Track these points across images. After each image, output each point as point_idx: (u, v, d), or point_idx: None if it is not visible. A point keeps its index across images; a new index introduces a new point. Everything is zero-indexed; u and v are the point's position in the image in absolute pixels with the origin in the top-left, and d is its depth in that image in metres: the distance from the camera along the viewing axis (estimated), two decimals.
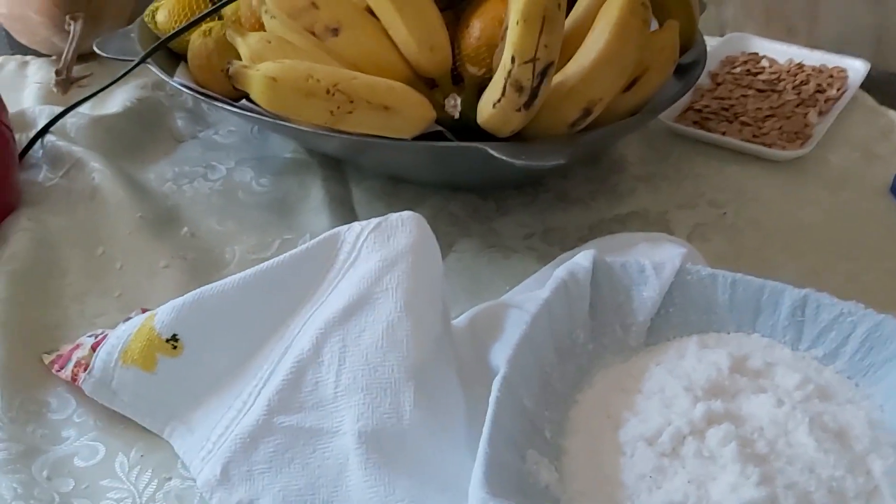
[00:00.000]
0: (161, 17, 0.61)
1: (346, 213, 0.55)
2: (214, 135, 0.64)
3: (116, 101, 0.66)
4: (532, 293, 0.41)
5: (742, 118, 0.64)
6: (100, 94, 0.61)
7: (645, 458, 0.34)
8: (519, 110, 0.44)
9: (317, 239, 0.41)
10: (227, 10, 0.57)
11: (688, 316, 0.41)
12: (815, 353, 0.39)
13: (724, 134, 0.62)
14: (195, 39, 0.58)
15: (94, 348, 0.42)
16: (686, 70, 0.54)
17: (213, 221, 0.55)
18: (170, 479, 0.39)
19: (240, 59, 0.54)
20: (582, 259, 0.41)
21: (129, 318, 0.43)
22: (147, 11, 0.63)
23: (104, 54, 0.59)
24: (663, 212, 0.55)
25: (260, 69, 0.44)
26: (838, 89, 0.67)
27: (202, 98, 0.54)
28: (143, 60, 0.56)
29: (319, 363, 0.37)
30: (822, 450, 0.34)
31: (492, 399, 0.33)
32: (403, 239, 0.39)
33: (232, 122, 0.64)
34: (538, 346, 0.37)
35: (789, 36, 0.75)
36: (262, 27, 0.54)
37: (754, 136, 0.62)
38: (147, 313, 0.41)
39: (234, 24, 0.55)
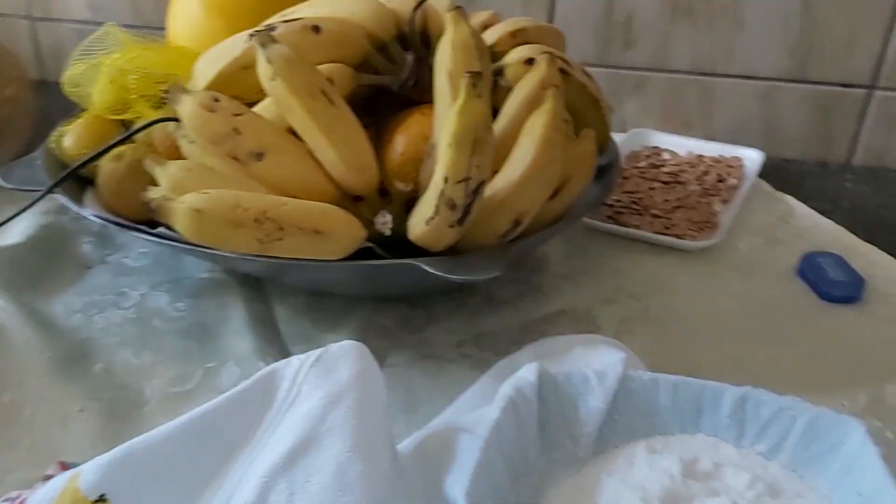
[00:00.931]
0: (68, 142, 0.60)
1: (270, 333, 0.54)
2: (124, 258, 0.62)
3: (17, 229, 0.63)
4: (478, 412, 0.40)
5: (652, 211, 0.66)
6: None
7: None
8: (452, 226, 0.45)
9: (253, 378, 0.39)
10: (140, 134, 0.56)
11: (633, 421, 0.41)
12: (758, 448, 0.40)
13: (637, 227, 0.64)
14: (106, 164, 0.57)
15: None
16: (603, 172, 0.56)
17: (128, 354, 0.52)
18: None
19: (154, 184, 0.53)
20: (527, 373, 0.41)
21: (49, 476, 0.40)
22: (52, 137, 0.61)
23: (8, 185, 0.56)
24: (589, 308, 0.56)
25: (185, 201, 0.43)
26: (737, 178, 0.71)
27: (119, 227, 0.52)
28: (50, 190, 0.54)
29: None
30: None
31: None
32: (346, 371, 0.38)
33: (142, 243, 0.63)
34: (493, 473, 0.36)
35: (686, 129, 0.79)
36: (176, 151, 0.53)
37: (665, 227, 0.64)
38: (70, 472, 0.38)
39: (151, 152, 0.54)
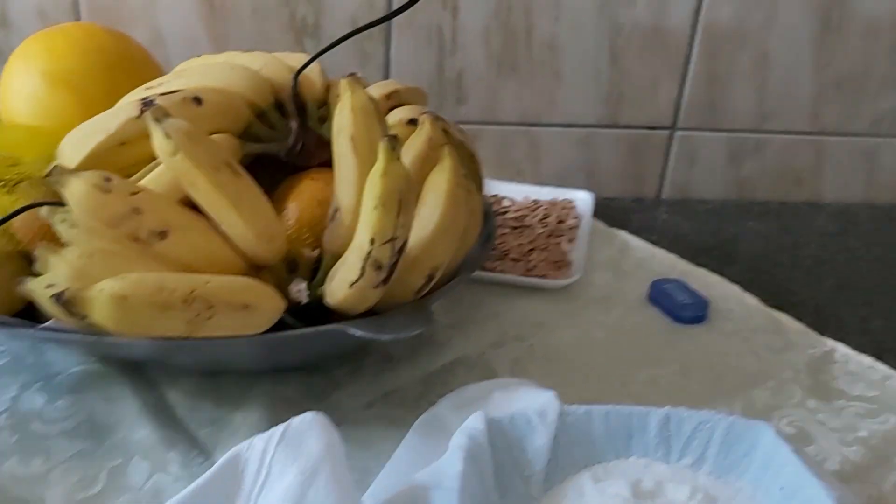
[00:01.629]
0: None
1: (169, 420, 0.51)
2: None
3: None
4: (434, 466, 0.41)
5: (510, 256, 0.71)
6: None
7: None
8: (377, 287, 0.46)
9: (214, 467, 0.38)
10: None
11: (573, 454, 0.44)
12: (685, 462, 0.44)
13: (503, 272, 0.68)
14: None
15: None
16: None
17: (14, 464, 0.47)
18: None
19: (20, 274, 0.49)
20: (475, 422, 0.43)
21: None
22: None
23: None
24: (480, 354, 0.59)
25: (103, 289, 0.41)
26: (575, 218, 0.77)
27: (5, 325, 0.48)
28: None
29: None
30: None
31: None
32: (315, 444, 0.38)
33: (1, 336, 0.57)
34: None
35: (519, 176, 0.85)
36: (46, 237, 0.50)
37: (527, 269, 0.69)
38: None
39: (10, 242, 0.50)
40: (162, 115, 0.47)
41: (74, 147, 0.52)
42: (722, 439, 0.44)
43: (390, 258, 0.45)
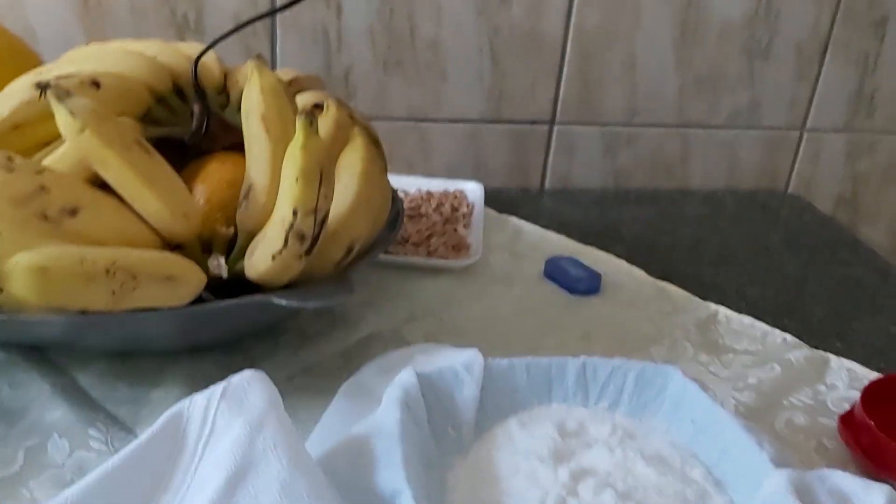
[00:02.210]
0: None
1: (83, 401, 0.50)
2: None
3: None
4: (371, 419, 0.42)
5: (411, 241, 0.72)
6: None
7: None
8: (300, 258, 0.46)
9: (156, 424, 0.37)
10: None
11: (498, 403, 0.46)
12: (602, 405, 0.47)
13: (406, 255, 0.69)
14: None
15: None
16: None
17: None
18: None
19: None
20: (406, 376, 0.44)
21: None
22: None
23: None
24: (394, 329, 0.60)
25: (19, 261, 0.40)
26: (467, 206, 0.80)
27: None
28: None
29: None
30: (659, 475, 0.41)
31: None
32: (258, 398, 0.38)
33: None
34: (413, 464, 0.39)
35: (410, 169, 0.87)
36: None
37: (429, 252, 0.71)
38: None
39: None
40: (64, 95, 0.46)
41: None
42: (635, 383, 0.47)
43: (313, 228, 0.46)
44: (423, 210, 0.78)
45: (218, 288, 0.49)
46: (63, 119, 0.45)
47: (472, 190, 0.83)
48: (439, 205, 0.79)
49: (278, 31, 0.81)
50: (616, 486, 0.40)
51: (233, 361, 0.55)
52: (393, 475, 0.38)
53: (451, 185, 0.84)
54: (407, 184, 0.83)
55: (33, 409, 0.49)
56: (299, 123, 0.46)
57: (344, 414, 0.48)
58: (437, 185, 0.84)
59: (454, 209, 0.79)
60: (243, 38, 0.80)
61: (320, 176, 0.45)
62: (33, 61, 0.63)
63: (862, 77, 0.93)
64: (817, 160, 0.97)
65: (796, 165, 0.97)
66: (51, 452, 0.46)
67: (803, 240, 0.84)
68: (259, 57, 0.52)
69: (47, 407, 0.49)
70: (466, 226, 0.76)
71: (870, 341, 0.64)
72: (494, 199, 0.84)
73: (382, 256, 0.68)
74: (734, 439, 0.42)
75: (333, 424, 0.47)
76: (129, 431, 0.48)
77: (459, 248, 0.72)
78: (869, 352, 0.62)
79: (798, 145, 0.96)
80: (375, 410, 0.43)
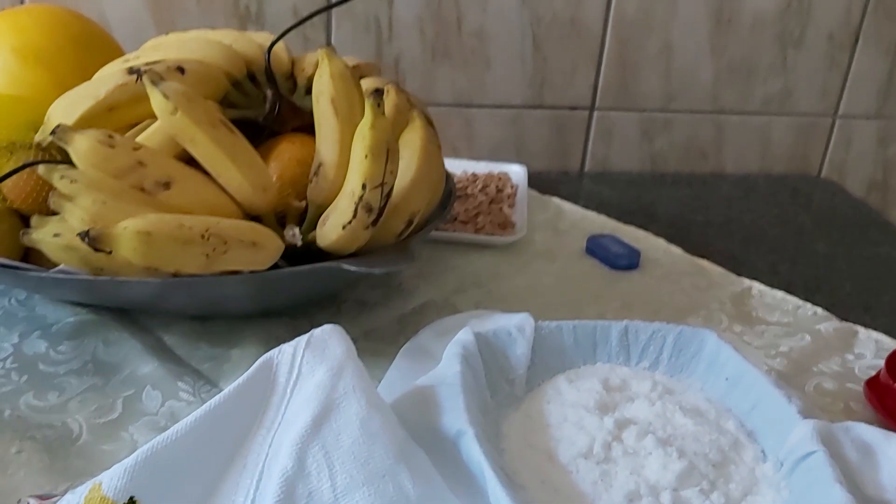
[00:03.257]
0: None
1: (170, 358, 0.55)
2: None
3: None
4: (434, 372, 0.47)
5: (459, 219, 0.77)
6: None
7: (589, 469, 0.43)
8: (367, 228, 0.51)
9: (250, 370, 0.42)
10: None
11: (547, 362, 0.51)
12: (643, 365, 0.51)
13: (454, 231, 0.74)
14: None
15: None
16: None
17: (30, 398, 0.50)
18: None
19: (15, 229, 0.53)
20: (464, 335, 0.48)
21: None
22: None
23: None
24: (446, 298, 0.65)
25: (128, 226, 0.45)
26: (511, 188, 0.84)
27: (21, 270, 0.50)
28: None
29: (307, 475, 0.39)
30: (696, 425, 0.45)
31: (480, 452, 0.40)
32: (337, 348, 0.43)
33: None
34: (473, 411, 0.44)
35: (455, 153, 0.91)
36: (31, 197, 0.54)
37: (476, 230, 0.75)
38: (87, 484, 0.39)
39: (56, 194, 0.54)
40: (158, 79, 0.51)
41: (64, 112, 0.55)
42: (673, 344, 0.51)
43: (380, 201, 0.50)
44: (469, 191, 0.83)
45: (289, 257, 0.54)
46: (157, 101, 0.50)
47: (516, 172, 0.87)
48: (485, 186, 0.84)
49: (333, 21, 0.86)
50: (656, 433, 0.44)
51: (299, 325, 0.59)
52: (456, 418, 0.42)
53: (496, 167, 0.88)
54: (453, 166, 0.87)
55: (126, 364, 0.54)
56: (368, 105, 0.50)
57: (404, 371, 0.52)
58: (482, 167, 0.88)
59: (499, 190, 0.83)
60: (301, 27, 0.84)
61: (387, 153, 0.50)
62: (114, 48, 0.68)
63: (892, 65, 0.96)
64: (849, 146, 1.00)
65: (828, 151, 1.00)
66: (145, 402, 0.51)
67: (834, 221, 0.87)
68: (329, 46, 0.57)
69: (139, 362, 0.54)
70: (511, 205, 0.81)
71: None
72: (536, 182, 0.88)
73: (433, 232, 0.72)
74: (764, 394, 0.46)
75: (395, 381, 0.52)
76: (213, 385, 0.53)
77: (505, 225, 0.76)
78: (895, 324, 0.65)
79: (830, 132, 0.99)
80: (434, 368, 0.48)
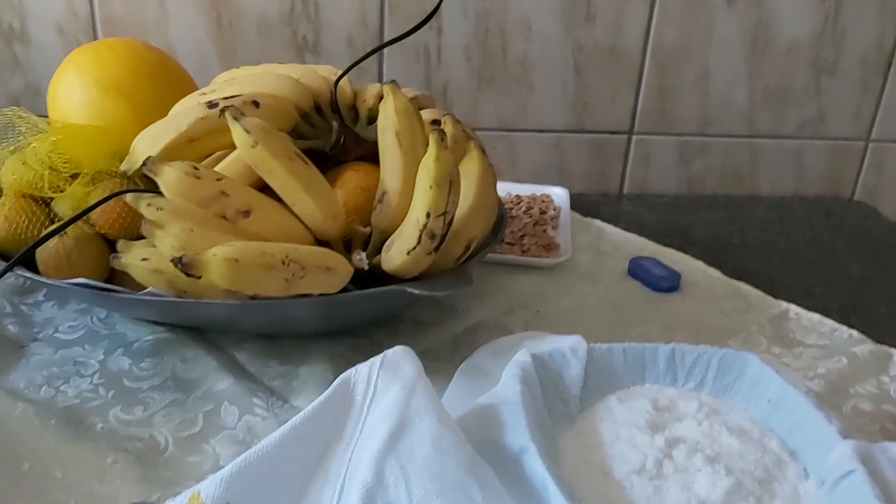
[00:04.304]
0: None
1: (244, 375, 0.59)
2: (55, 334, 0.63)
3: None
4: (494, 391, 0.50)
5: (506, 241, 0.80)
6: None
7: (642, 485, 0.46)
8: (430, 254, 0.55)
9: (329, 389, 0.46)
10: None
11: (599, 382, 0.54)
12: (689, 386, 0.55)
13: (503, 253, 0.78)
14: (49, 242, 0.58)
15: None
16: None
17: (118, 412, 0.54)
18: None
19: (103, 252, 0.57)
20: (522, 356, 0.52)
21: None
22: None
23: None
24: (497, 319, 0.68)
25: (217, 253, 0.49)
26: (554, 210, 0.88)
27: (110, 293, 0.55)
28: (10, 268, 0.55)
29: (385, 486, 0.42)
30: (741, 444, 0.48)
31: (543, 467, 0.43)
32: (409, 368, 0.47)
33: (69, 318, 0.64)
34: (534, 428, 0.47)
35: (499, 176, 0.94)
36: (117, 223, 0.58)
37: (522, 251, 0.79)
38: (185, 495, 0.43)
39: (88, 227, 0.58)
40: (240, 115, 0.55)
41: (149, 144, 0.59)
42: (717, 366, 0.54)
43: (442, 228, 0.54)
44: (514, 212, 0.86)
45: (354, 280, 0.58)
46: (239, 135, 0.54)
47: (558, 194, 0.91)
48: (528, 208, 0.87)
49: (385, 50, 0.90)
50: (705, 451, 0.48)
51: (361, 344, 0.63)
52: (519, 435, 0.46)
53: (538, 189, 0.92)
54: (498, 189, 0.91)
55: (204, 380, 0.58)
56: (432, 140, 0.54)
57: (464, 390, 0.56)
58: (525, 189, 0.92)
59: (542, 212, 0.87)
60: (356, 55, 0.89)
61: (450, 184, 0.54)
62: (187, 79, 0.73)
63: None
64: (882, 169, 1.02)
65: (861, 174, 1.03)
66: (224, 417, 0.55)
67: (867, 243, 0.90)
68: (393, 82, 0.60)
69: (215, 379, 0.58)
70: (555, 227, 0.84)
71: None
72: (577, 204, 0.92)
73: (488, 255, 0.76)
74: (806, 415, 0.49)
75: (455, 398, 0.55)
76: (284, 401, 0.56)
77: (550, 247, 0.80)
78: None
79: (863, 155, 1.02)
80: (491, 386, 0.51)
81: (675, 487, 0.46)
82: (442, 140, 0.54)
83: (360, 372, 0.47)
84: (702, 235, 0.89)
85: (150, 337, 0.62)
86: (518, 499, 0.44)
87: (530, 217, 0.85)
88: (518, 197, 0.90)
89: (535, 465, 0.44)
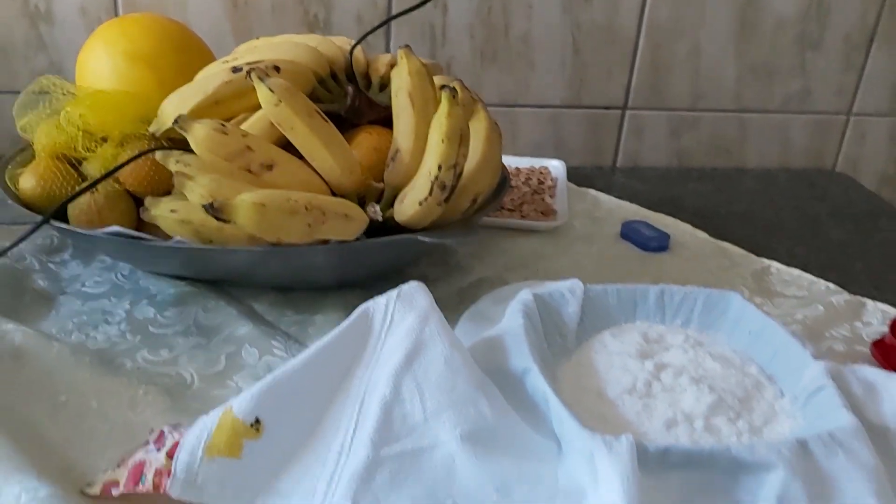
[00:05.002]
0: (29, 183, 0.64)
1: (262, 322, 0.63)
2: (83, 288, 0.67)
3: None
4: (500, 325, 0.55)
5: (506, 207, 0.85)
6: None
7: (633, 403, 0.51)
8: (440, 204, 0.59)
9: (350, 318, 0.51)
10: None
11: (595, 319, 0.59)
12: (676, 322, 0.59)
13: (503, 218, 0.82)
14: (81, 197, 0.63)
15: (169, 455, 0.46)
16: None
17: (145, 354, 0.59)
18: None
19: (130, 209, 0.62)
20: (524, 295, 0.57)
21: (161, 436, 0.48)
22: (8, 178, 0.65)
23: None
24: (498, 275, 0.73)
25: (245, 199, 0.54)
26: (552, 180, 0.92)
27: (141, 240, 0.59)
28: (47, 220, 0.60)
29: (402, 401, 0.47)
30: (724, 368, 0.53)
31: (545, 382, 0.48)
32: (423, 300, 0.51)
33: (95, 273, 0.69)
34: (536, 354, 0.52)
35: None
36: (144, 179, 0.63)
37: (521, 217, 0.83)
38: (222, 407, 0.47)
39: (116, 183, 0.63)
40: (265, 75, 0.60)
41: (176, 106, 0.64)
42: (703, 305, 0.59)
43: (452, 180, 0.59)
44: (514, 183, 0.91)
45: (368, 234, 0.63)
46: (264, 94, 0.59)
47: (555, 166, 0.95)
48: (527, 179, 0.92)
49: (393, 27, 0.94)
50: (690, 373, 0.52)
51: (369, 297, 0.67)
52: (522, 359, 0.51)
53: (537, 162, 0.96)
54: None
55: (225, 326, 0.62)
56: (444, 96, 0.59)
57: (468, 332, 0.60)
58: (524, 162, 0.96)
59: (540, 182, 0.92)
60: (364, 31, 0.93)
61: (460, 138, 0.58)
62: (206, 52, 0.77)
63: None
64: (863, 142, 1.07)
65: (843, 147, 1.08)
66: (245, 357, 0.59)
67: (848, 211, 0.95)
68: (407, 46, 0.65)
69: (236, 325, 0.62)
70: (552, 196, 0.89)
71: None
72: (573, 176, 0.96)
73: (485, 218, 0.81)
74: (783, 343, 0.54)
75: (461, 338, 0.60)
76: (301, 344, 0.60)
77: (547, 213, 0.85)
78: None
79: (845, 129, 1.07)
80: (494, 328, 0.56)
81: (663, 405, 0.50)
82: (454, 96, 0.59)
83: (378, 303, 0.52)
84: (691, 206, 0.94)
85: (172, 290, 0.67)
86: (522, 414, 0.49)
87: (529, 187, 0.90)
88: (518, 169, 0.95)
89: (538, 382, 0.49)
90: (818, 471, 0.43)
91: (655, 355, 0.55)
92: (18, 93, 0.69)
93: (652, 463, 0.43)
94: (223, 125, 0.59)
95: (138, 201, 0.65)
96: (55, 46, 0.91)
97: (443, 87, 0.61)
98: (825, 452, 0.44)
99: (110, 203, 0.64)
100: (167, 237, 0.61)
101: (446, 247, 0.63)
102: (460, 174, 0.60)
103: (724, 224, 0.89)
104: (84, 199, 0.63)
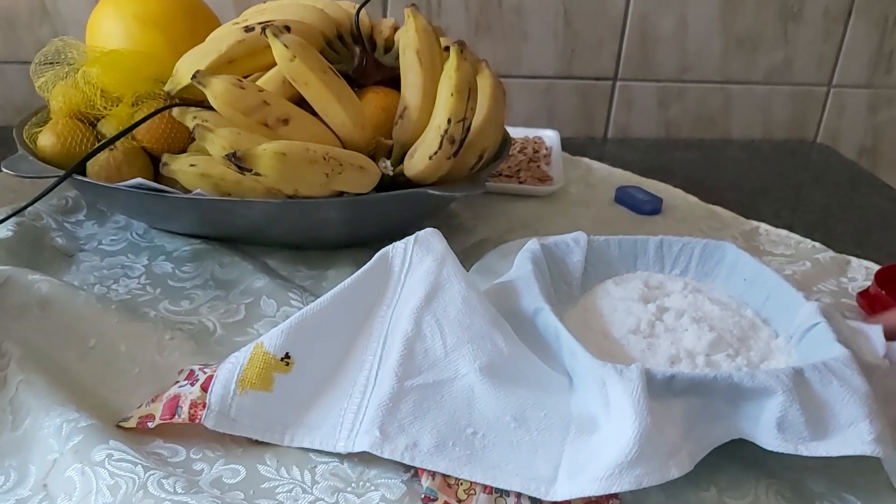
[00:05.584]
0: (47, 141, 0.66)
1: (277, 276, 0.65)
2: (99, 246, 0.69)
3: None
4: (511, 273, 0.58)
5: (504, 174, 0.88)
6: None
7: (637, 342, 0.54)
8: (449, 158, 0.62)
9: (370, 261, 0.53)
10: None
11: (597, 269, 0.62)
12: (675, 272, 0.63)
13: (502, 183, 0.85)
14: (101, 154, 0.65)
15: (204, 388, 0.49)
16: None
17: (167, 304, 0.61)
18: (315, 466, 0.47)
19: (147, 165, 0.64)
20: (531, 245, 0.60)
21: (192, 374, 0.50)
22: (26, 137, 0.67)
23: (19, 174, 0.62)
24: (500, 235, 0.75)
25: (267, 148, 0.56)
26: (546, 149, 0.95)
27: (162, 193, 0.61)
28: (69, 174, 0.62)
29: (423, 336, 0.50)
30: (721, 311, 0.56)
31: (556, 319, 0.51)
32: (439, 245, 0.54)
33: (111, 232, 0.71)
34: (545, 294, 0.55)
35: None
36: (159, 136, 0.65)
37: (519, 182, 0.86)
38: (249, 346, 0.50)
39: (132, 141, 0.65)
40: (279, 32, 0.62)
41: (191, 65, 0.66)
42: (700, 254, 0.62)
43: (461, 134, 0.61)
44: (511, 151, 0.94)
45: (378, 190, 0.65)
46: (279, 50, 0.61)
47: (549, 136, 0.98)
48: (522, 148, 0.95)
49: None
50: (691, 315, 0.56)
51: None
52: (533, 300, 0.53)
53: (531, 132, 0.99)
54: None
55: (242, 280, 0.64)
56: (453, 51, 0.61)
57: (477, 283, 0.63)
58: (519, 132, 0.99)
59: (535, 151, 0.94)
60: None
61: (469, 92, 0.61)
62: (212, 16, 0.79)
63: (882, 37, 1.07)
64: (843, 113, 1.11)
65: (824, 118, 1.11)
66: (263, 307, 0.61)
67: (829, 178, 0.98)
68: (413, 6, 0.67)
69: (252, 279, 0.64)
70: (548, 163, 0.92)
71: (884, 249, 0.79)
72: (566, 146, 0.99)
73: (490, 183, 0.83)
74: (776, 288, 0.57)
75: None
76: (317, 296, 0.62)
77: (544, 179, 0.87)
78: (882, 256, 0.76)
79: (825, 100, 1.10)
80: (504, 276, 0.59)
81: (666, 343, 0.53)
82: (462, 51, 0.62)
83: (397, 248, 0.54)
84: (680, 172, 0.97)
85: (187, 247, 0.68)
86: (534, 351, 0.52)
87: (525, 155, 0.93)
88: (513, 140, 0.97)
89: (549, 320, 0.52)
90: (814, 396, 0.47)
91: (657, 300, 0.58)
92: (24, 63, 0.70)
93: (659, 389, 0.46)
94: (240, 80, 0.61)
95: (154, 160, 0.67)
96: (59, 16, 0.92)
97: (453, 42, 0.63)
98: (820, 379, 0.47)
99: (129, 159, 0.65)
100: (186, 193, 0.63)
101: (451, 207, 0.65)
102: (469, 128, 0.62)
103: (713, 190, 0.92)
104: (103, 156, 0.65)
